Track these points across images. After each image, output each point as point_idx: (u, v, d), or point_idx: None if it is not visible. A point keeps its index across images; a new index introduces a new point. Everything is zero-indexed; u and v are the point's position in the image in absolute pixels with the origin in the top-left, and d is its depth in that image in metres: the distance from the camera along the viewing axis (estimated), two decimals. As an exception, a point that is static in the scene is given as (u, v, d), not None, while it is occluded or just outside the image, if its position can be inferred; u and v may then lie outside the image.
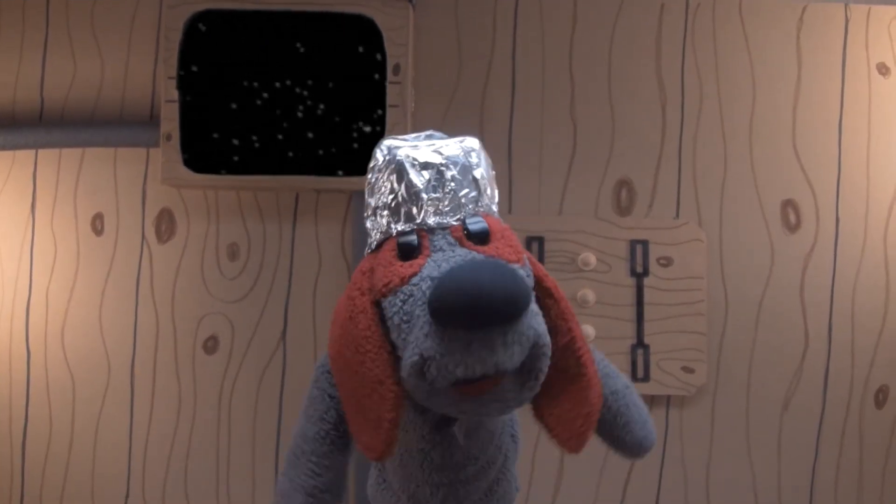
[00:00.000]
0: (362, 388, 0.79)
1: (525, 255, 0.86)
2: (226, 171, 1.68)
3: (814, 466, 1.77)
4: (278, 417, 1.79)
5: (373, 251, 0.87)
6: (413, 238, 0.81)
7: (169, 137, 1.68)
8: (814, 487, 1.77)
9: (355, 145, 1.68)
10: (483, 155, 0.89)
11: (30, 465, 1.80)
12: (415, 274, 0.78)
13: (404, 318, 0.77)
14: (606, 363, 0.99)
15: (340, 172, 1.68)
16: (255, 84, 1.68)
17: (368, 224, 0.89)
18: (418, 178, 0.83)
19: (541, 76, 1.81)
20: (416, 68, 1.78)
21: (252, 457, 1.79)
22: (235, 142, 1.68)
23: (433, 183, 0.83)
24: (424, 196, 0.83)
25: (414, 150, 0.85)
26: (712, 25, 1.82)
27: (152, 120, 1.78)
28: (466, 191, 0.84)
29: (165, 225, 1.81)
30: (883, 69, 1.81)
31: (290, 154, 1.68)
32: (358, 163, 1.68)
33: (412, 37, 1.71)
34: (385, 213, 0.85)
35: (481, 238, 0.81)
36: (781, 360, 1.78)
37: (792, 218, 1.79)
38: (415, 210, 0.83)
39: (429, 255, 0.80)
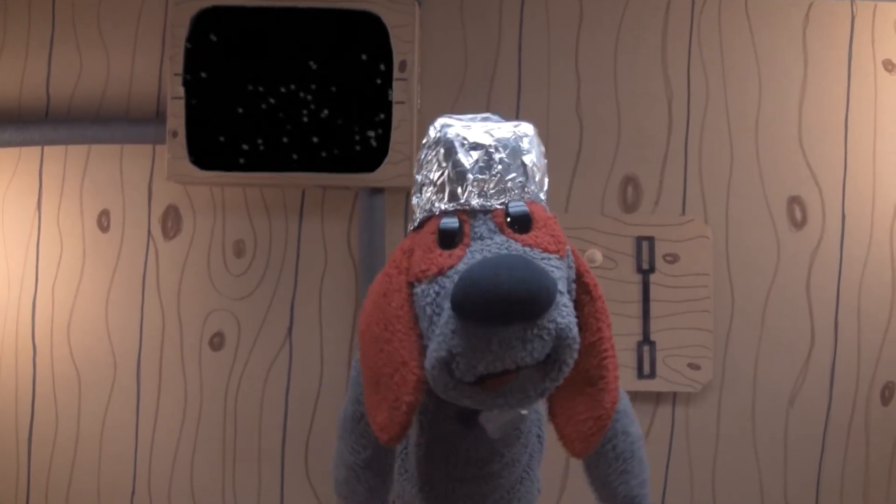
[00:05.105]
0: (386, 366, 0.78)
1: (568, 246, 0.84)
2: (232, 167, 1.68)
3: (820, 462, 1.77)
4: (284, 414, 1.79)
5: (415, 229, 0.86)
6: (454, 222, 0.80)
7: (175, 134, 1.68)
8: (820, 483, 1.77)
9: (361, 142, 1.68)
10: (536, 142, 0.88)
11: (35, 461, 1.80)
12: (452, 266, 0.77)
13: (436, 309, 0.76)
14: (628, 404, 0.97)
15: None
16: (261, 80, 1.68)
17: (414, 200, 0.88)
18: (466, 158, 0.83)
19: (547, 73, 1.81)
20: (423, 65, 1.78)
21: (258, 453, 1.79)
22: (241, 139, 1.68)
23: (480, 164, 0.83)
24: (470, 176, 0.82)
25: (466, 129, 0.85)
26: (718, 22, 1.82)
27: (158, 117, 1.78)
28: (513, 175, 0.83)
29: (171, 222, 1.81)
30: (889, 66, 1.81)
31: (295, 154, 1.68)
32: (363, 160, 1.68)
33: (418, 34, 1.71)
34: (430, 190, 0.85)
35: (522, 224, 0.80)
36: (787, 357, 1.78)
37: (798, 214, 1.79)
38: (459, 190, 0.82)
39: (468, 245, 0.78)
